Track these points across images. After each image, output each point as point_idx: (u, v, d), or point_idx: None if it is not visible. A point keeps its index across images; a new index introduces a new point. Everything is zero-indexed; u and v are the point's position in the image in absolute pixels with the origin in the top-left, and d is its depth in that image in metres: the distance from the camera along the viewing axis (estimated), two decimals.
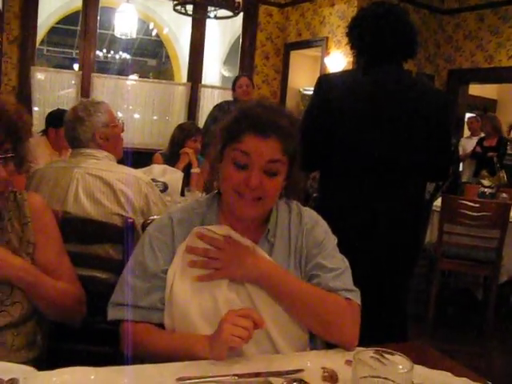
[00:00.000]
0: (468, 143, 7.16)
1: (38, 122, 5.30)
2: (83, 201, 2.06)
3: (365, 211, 2.07)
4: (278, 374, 1.07)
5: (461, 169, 7.21)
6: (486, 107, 9.43)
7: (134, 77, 9.17)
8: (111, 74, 8.61)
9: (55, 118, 3.52)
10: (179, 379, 1.02)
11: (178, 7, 4.82)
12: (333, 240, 1.38)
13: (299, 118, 1.86)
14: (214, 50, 8.64)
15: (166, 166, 3.40)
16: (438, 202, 4.08)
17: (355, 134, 2.06)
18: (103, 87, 6.61)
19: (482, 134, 7.01)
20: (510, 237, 3.77)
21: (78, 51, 7.42)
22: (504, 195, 4.38)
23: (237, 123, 1.26)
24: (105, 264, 2.03)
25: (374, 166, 2.05)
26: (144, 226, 1.80)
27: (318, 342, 1.30)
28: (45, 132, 3.69)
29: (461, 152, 7.05)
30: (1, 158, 1.26)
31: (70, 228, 1.76)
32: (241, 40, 7.44)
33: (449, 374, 1.12)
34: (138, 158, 2.57)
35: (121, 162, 2.31)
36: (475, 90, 8.19)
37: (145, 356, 1.22)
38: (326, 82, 2.20)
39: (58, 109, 3.93)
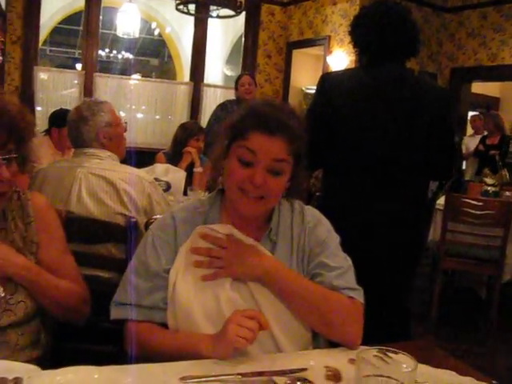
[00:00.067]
0: (471, 141, 7.14)
1: (41, 122, 5.32)
2: (86, 200, 2.07)
3: (366, 210, 2.07)
4: (282, 373, 1.07)
5: (464, 167, 7.19)
6: (489, 105, 9.40)
7: (137, 76, 9.17)
8: (114, 73, 8.60)
9: (58, 118, 3.53)
10: (183, 378, 1.02)
11: (181, 6, 4.83)
12: (335, 239, 1.37)
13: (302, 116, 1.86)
14: (216, 49, 8.64)
15: (168, 165, 3.40)
16: (441, 201, 4.08)
17: (358, 132, 2.06)
18: (106, 87, 6.63)
19: (485, 132, 6.99)
20: None
21: (80, 51, 7.44)
22: (507, 193, 4.37)
23: (244, 120, 1.26)
24: (108, 263, 2.03)
25: (376, 165, 2.05)
26: (147, 226, 1.80)
27: (321, 340, 1.30)
28: (48, 132, 3.70)
29: (464, 150, 7.03)
30: (4, 159, 1.26)
31: (73, 228, 1.76)
32: (243, 39, 7.44)
33: (453, 372, 1.11)
34: (141, 157, 2.57)
35: (124, 161, 2.31)
36: (478, 88, 8.16)
37: (148, 355, 1.22)
38: (328, 80, 2.20)
39: (61, 108, 3.94)
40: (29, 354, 1.33)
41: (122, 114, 6.51)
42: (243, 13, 5.77)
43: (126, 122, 2.41)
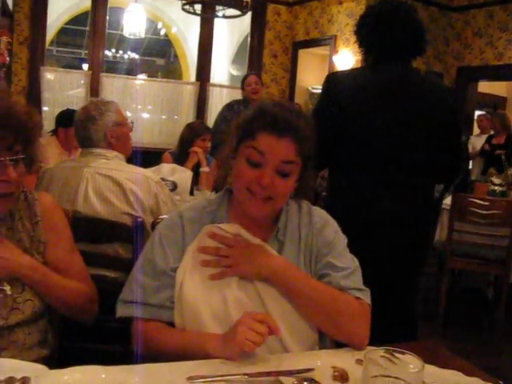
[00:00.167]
0: (477, 141, 7.11)
1: (48, 122, 5.35)
2: (93, 200, 2.07)
3: (372, 210, 2.06)
4: (289, 373, 1.07)
5: (470, 167, 7.17)
6: (496, 104, 9.36)
7: (143, 76, 9.20)
8: (120, 73, 8.63)
9: (65, 118, 3.54)
10: (190, 378, 1.02)
11: (187, 6, 4.84)
12: (343, 239, 1.37)
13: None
14: (222, 49, 8.65)
15: (175, 165, 3.41)
16: (447, 201, 4.06)
17: (366, 130, 2.05)
18: (112, 87, 6.65)
19: (492, 132, 6.96)
20: None
21: (87, 51, 7.46)
22: None
23: (253, 121, 1.26)
24: (114, 263, 2.03)
25: (383, 164, 2.04)
26: (154, 226, 1.80)
27: (328, 340, 1.30)
28: (54, 132, 3.71)
29: (470, 150, 7.00)
30: (11, 160, 1.26)
31: (79, 227, 1.76)
32: (249, 39, 7.44)
33: (460, 373, 1.11)
34: (147, 157, 2.57)
35: (130, 161, 2.32)
36: (485, 87, 8.13)
37: (155, 354, 1.22)
38: (334, 80, 2.19)
39: (68, 109, 3.96)
40: (36, 353, 1.33)
41: (129, 113, 6.52)
42: (249, 13, 5.78)
43: (132, 122, 2.42)
